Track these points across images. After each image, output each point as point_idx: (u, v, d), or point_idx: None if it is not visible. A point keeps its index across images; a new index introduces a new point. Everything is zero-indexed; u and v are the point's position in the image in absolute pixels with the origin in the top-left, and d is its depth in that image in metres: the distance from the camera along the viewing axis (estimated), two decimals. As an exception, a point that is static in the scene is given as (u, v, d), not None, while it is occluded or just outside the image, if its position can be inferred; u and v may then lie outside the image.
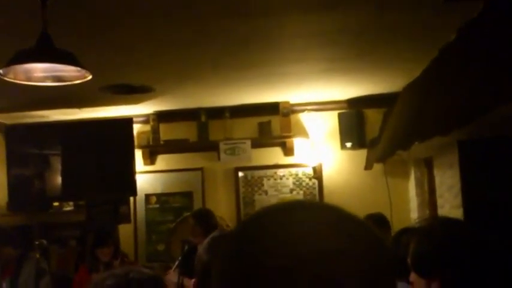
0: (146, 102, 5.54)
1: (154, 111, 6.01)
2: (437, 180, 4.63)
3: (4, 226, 4.78)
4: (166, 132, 6.09)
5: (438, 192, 4.67)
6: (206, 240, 1.96)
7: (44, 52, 2.59)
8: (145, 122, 6.14)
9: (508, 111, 2.45)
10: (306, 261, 0.60)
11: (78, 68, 2.71)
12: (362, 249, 0.63)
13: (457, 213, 3.53)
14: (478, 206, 2.09)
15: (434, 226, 1.82)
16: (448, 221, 1.97)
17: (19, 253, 4.30)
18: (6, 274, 4.25)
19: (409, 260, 1.73)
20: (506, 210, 2.06)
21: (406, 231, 2.48)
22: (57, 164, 5.99)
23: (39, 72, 2.86)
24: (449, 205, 4.21)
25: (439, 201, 4.65)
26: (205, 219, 4.44)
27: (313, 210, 0.69)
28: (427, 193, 5.36)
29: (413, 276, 1.69)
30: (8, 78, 2.73)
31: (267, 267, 0.61)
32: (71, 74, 2.84)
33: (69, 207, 6.24)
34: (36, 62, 2.70)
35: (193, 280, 3.86)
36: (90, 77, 2.80)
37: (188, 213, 5.40)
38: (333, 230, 0.64)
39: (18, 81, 2.79)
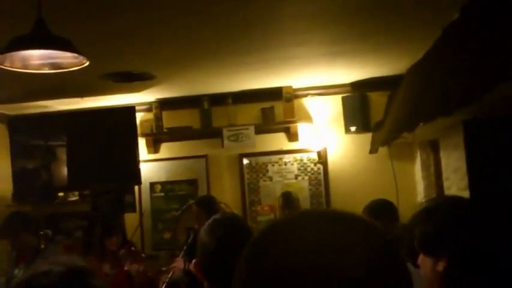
0: (148, 90, 5.51)
1: (156, 99, 5.98)
2: (443, 162, 4.58)
3: (25, 212, 4.75)
4: (170, 119, 6.06)
5: (444, 174, 4.62)
6: (208, 222, 1.94)
7: (40, 38, 2.56)
8: (148, 110, 6.12)
9: (509, 89, 2.41)
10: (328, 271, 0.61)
11: (75, 54, 2.68)
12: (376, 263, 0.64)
13: (464, 194, 3.47)
14: (484, 186, 2.05)
15: (441, 205, 1.81)
16: (454, 200, 1.95)
17: (38, 241, 4.28)
18: (21, 261, 4.25)
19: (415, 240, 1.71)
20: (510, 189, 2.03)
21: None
22: (62, 154, 6.00)
23: (36, 60, 2.83)
24: (456, 187, 4.17)
25: (446, 184, 4.61)
26: (208, 206, 4.43)
27: (321, 222, 0.70)
28: (434, 175, 5.31)
29: (420, 257, 1.67)
30: (4, 66, 2.69)
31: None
32: (68, 60, 2.80)
33: (74, 197, 6.25)
34: (32, 48, 2.66)
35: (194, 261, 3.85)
36: (87, 63, 2.77)
37: (192, 201, 5.38)
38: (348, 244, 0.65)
39: (15, 69, 2.76)
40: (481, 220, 1.60)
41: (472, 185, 2.07)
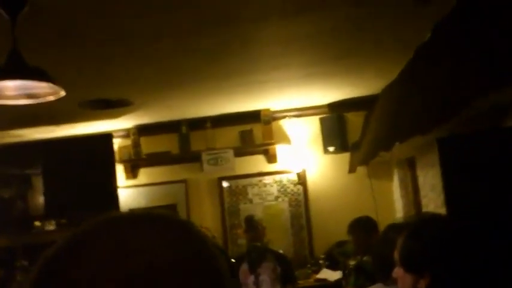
0: (126, 116, 5.49)
1: (134, 125, 5.95)
2: (421, 180, 4.64)
3: None
4: (148, 145, 6.03)
5: (422, 192, 4.68)
6: None
7: (15, 69, 2.53)
8: (126, 136, 6.08)
9: (483, 104, 2.46)
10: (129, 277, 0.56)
11: (51, 84, 2.66)
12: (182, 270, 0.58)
13: (442, 211, 3.51)
14: (460, 203, 2.08)
15: (424, 222, 1.84)
16: (436, 218, 1.98)
17: (4, 273, 4.21)
18: None
19: (395, 255, 1.73)
20: (488, 206, 2.06)
21: (393, 228, 2.48)
22: (38, 183, 5.93)
23: (11, 91, 2.80)
24: (434, 204, 4.22)
25: (424, 201, 4.66)
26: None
27: (134, 223, 0.63)
28: (412, 193, 5.36)
29: (399, 272, 1.69)
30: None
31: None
32: (44, 90, 2.78)
33: (51, 226, 6.14)
34: (6, 79, 2.64)
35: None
36: (63, 94, 2.75)
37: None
38: (125, 252, 0.58)
39: (-10, 101, 2.73)
40: (463, 239, 1.62)
41: (449, 202, 2.10)
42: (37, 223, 6.10)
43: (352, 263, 4.33)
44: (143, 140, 6.03)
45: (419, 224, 1.85)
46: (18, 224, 5.91)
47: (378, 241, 2.61)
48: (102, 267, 0.56)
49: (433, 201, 4.27)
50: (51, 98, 2.85)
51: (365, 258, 3.95)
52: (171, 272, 0.57)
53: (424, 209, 4.73)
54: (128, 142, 6.07)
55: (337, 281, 4.98)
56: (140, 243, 0.58)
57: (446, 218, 2.06)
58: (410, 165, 5.33)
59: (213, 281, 0.60)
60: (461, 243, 1.61)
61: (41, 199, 5.92)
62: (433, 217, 2.14)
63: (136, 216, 0.65)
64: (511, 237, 2.02)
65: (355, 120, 5.80)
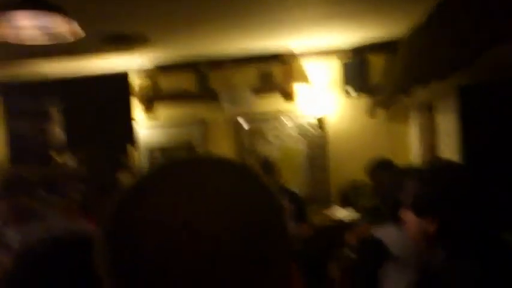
0: (144, 54, 5.45)
1: (153, 63, 5.92)
2: (439, 125, 4.58)
3: (23, 175, 4.76)
4: (166, 84, 6.03)
5: (440, 137, 4.63)
6: None
7: (31, 3, 2.51)
8: (145, 73, 6.07)
9: (505, 51, 2.38)
10: (184, 220, 0.58)
11: (68, 20, 2.64)
12: (243, 206, 0.60)
13: (457, 157, 3.49)
14: (475, 150, 2.05)
15: (437, 167, 1.83)
16: (451, 164, 1.97)
17: (34, 204, 4.29)
18: (14, 221, 4.26)
19: (403, 198, 1.74)
20: (503, 156, 2.03)
21: (405, 172, 2.47)
22: (57, 118, 6.02)
23: (30, 30, 2.78)
24: (450, 150, 4.18)
25: (441, 147, 4.62)
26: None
27: (193, 168, 0.65)
28: (429, 138, 5.31)
29: (408, 215, 1.70)
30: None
31: (146, 231, 0.59)
32: (63, 29, 2.76)
33: (70, 160, 6.26)
34: (21, 8, 2.60)
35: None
36: (83, 35, 2.72)
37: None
38: (208, 188, 0.61)
39: (7, 39, 2.72)
40: (476, 186, 1.62)
41: (463, 149, 2.07)
42: (55, 156, 6.23)
43: (367, 204, 4.36)
44: (162, 79, 6.02)
45: (433, 169, 1.84)
46: (37, 157, 6.04)
47: (389, 183, 2.61)
48: (188, 198, 0.59)
49: (449, 147, 4.23)
50: (71, 39, 2.84)
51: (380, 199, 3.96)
52: (241, 218, 0.59)
53: (441, 155, 4.69)
54: (146, 80, 6.06)
55: (352, 221, 5.02)
56: (222, 183, 0.61)
57: (460, 165, 2.04)
58: (429, 111, 5.25)
59: (280, 230, 0.64)
60: (473, 190, 1.60)
61: (59, 133, 6.04)
62: (447, 163, 2.12)
63: (216, 159, 0.67)
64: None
65: (377, 63, 5.69)
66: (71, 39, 2.80)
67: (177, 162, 0.67)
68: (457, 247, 1.57)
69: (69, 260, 1.20)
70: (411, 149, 5.68)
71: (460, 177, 1.66)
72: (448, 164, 2.00)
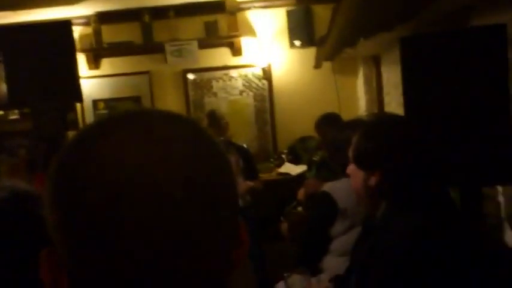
0: (86, 3, 5.25)
1: (95, 12, 5.70)
2: (385, 77, 4.63)
3: None
4: (110, 34, 5.83)
5: (385, 89, 4.68)
6: None
7: None
8: (87, 24, 5.85)
9: (449, 3, 2.39)
10: (128, 174, 0.58)
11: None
12: (185, 155, 0.61)
13: (402, 110, 3.53)
14: (418, 103, 2.07)
15: (380, 121, 1.85)
16: (393, 117, 1.99)
17: None
18: None
19: (349, 153, 1.75)
20: (446, 107, 2.05)
21: (348, 125, 2.49)
22: (0, 70, 5.75)
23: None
24: (396, 102, 4.24)
25: (386, 99, 4.68)
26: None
27: (133, 121, 0.65)
28: (375, 90, 5.37)
29: (352, 168, 1.72)
30: None
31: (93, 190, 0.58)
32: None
33: (14, 115, 6.05)
34: None
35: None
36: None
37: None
38: (152, 138, 0.61)
39: None
40: (415, 140, 1.64)
41: (407, 101, 2.09)
42: (0, 112, 6.00)
43: (315, 158, 4.40)
44: (104, 29, 5.82)
45: (375, 123, 1.86)
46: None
47: (335, 138, 2.62)
48: (131, 149, 0.59)
49: (395, 100, 4.29)
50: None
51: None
52: (191, 164, 0.61)
53: (386, 106, 4.76)
54: (88, 30, 5.85)
55: (299, 176, 5.08)
56: (167, 133, 0.62)
57: (403, 118, 2.07)
58: (375, 62, 5.29)
59: (225, 175, 0.65)
60: (413, 144, 1.62)
61: (3, 87, 5.77)
62: (389, 117, 2.14)
63: (159, 111, 0.67)
64: (464, 141, 2.04)
65: (323, 13, 5.64)
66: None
67: (121, 115, 0.66)
68: (398, 200, 1.59)
69: (13, 221, 1.17)
70: (357, 101, 5.74)
71: (402, 130, 1.67)
72: (391, 117, 2.03)
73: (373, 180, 1.61)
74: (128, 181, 0.58)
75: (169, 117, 0.66)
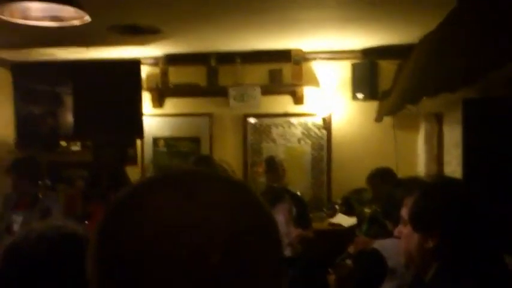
0: (155, 45, 5.44)
1: (163, 54, 5.91)
2: (446, 136, 4.55)
3: (22, 158, 4.75)
4: (176, 75, 6.01)
5: (446, 148, 4.59)
6: None
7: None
8: (155, 64, 6.06)
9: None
10: (165, 235, 0.60)
11: (76, 9, 2.63)
12: (225, 220, 0.62)
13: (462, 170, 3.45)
14: (478, 164, 2.03)
15: (441, 183, 1.83)
16: (454, 180, 1.97)
17: (36, 189, 4.30)
18: (21, 206, 4.28)
19: (403, 213, 1.73)
20: (505, 171, 2.00)
21: (399, 185, 2.46)
22: (68, 101, 5.99)
23: (37, 12, 2.78)
24: (456, 162, 4.14)
25: (447, 158, 4.58)
26: (206, 165, 4.43)
27: (173, 184, 0.67)
28: (436, 148, 5.27)
29: (405, 230, 1.69)
30: (3, 16, 2.65)
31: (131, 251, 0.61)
32: (70, 14, 2.76)
33: (76, 147, 6.26)
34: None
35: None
36: (88, 20, 2.72)
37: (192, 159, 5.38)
38: (194, 203, 0.63)
39: (13, 20, 2.72)
40: (475, 204, 1.61)
41: (466, 162, 2.05)
42: (63, 143, 6.22)
43: (367, 211, 4.33)
44: (171, 70, 6.00)
45: (435, 184, 1.84)
46: (45, 141, 6.02)
47: (390, 194, 2.58)
48: (178, 210, 0.61)
49: (455, 159, 4.19)
50: (76, 23, 2.83)
51: (380, 208, 3.94)
52: (241, 228, 0.62)
53: (446, 165, 4.66)
54: (156, 70, 6.05)
55: (351, 228, 4.99)
56: (212, 197, 0.63)
57: (463, 182, 2.03)
58: (437, 120, 5.21)
59: (272, 238, 0.67)
60: (473, 207, 1.60)
61: (70, 118, 5.99)
62: (450, 180, 2.11)
63: (208, 173, 0.70)
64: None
65: (388, 68, 5.65)
66: (77, 23, 2.79)
67: (173, 172, 0.69)
68: (453, 265, 1.55)
69: (52, 260, 1.21)
70: (416, 158, 5.64)
71: (462, 194, 1.65)
72: (451, 181, 1.99)
73: (430, 243, 1.58)
74: (164, 244, 0.59)
75: (215, 181, 0.68)
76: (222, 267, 0.59)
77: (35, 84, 5.97)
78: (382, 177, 4.18)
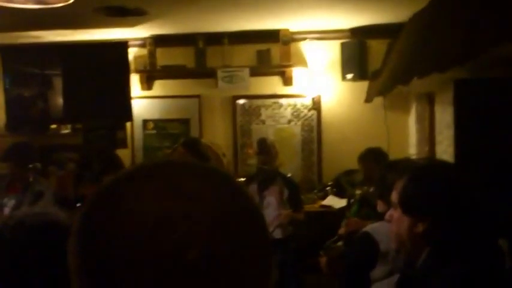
0: (142, 26, 5.37)
1: (150, 35, 5.83)
2: (438, 116, 4.53)
3: (31, 145, 4.70)
4: (164, 57, 5.94)
5: (438, 128, 4.58)
6: None
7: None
8: (142, 46, 5.98)
9: (509, 50, 2.32)
10: (149, 228, 0.59)
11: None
12: (210, 213, 0.62)
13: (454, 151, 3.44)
14: (469, 145, 2.02)
15: (432, 167, 1.82)
16: (446, 164, 1.96)
17: (22, 170, 4.27)
18: (12, 190, 4.26)
19: (393, 196, 1.72)
20: (497, 151, 1.99)
21: (391, 167, 2.44)
22: (58, 84, 5.94)
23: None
24: (448, 142, 4.13)
25: (438, 138, 4.57)
26: (195, 147, 4.39)
27: (154, 175, 0.67)
28: (427, 129, 5.25)
29: (395, 214, 1.68)
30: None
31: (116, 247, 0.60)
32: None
33: (66, 130, 6.20)
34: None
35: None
36: (71, 0, 2.66)
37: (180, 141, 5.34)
38: (175, 193, 0.62)
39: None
40: (466, 188, 1.60)
41: (457, 143, 2.04)
42: (53, 126, 6.16)
43: (358, 192, 4.32)
44: (159, 52, 5.93)
45: (426, 168, 1.83)
46: (36, 124, 5.96)
47: (384, 176, 2.55)
48: (158, 203, 0.60)
49: (447, 139, 4.18)
50: (60, 4, 2.77)
51: (371, 189, 3.93)
52: (223, 219, 0.62)
53: (438, 146, 4.65)
54: (143, 52, 5.98)
55: (341, 209, 4.99)
56: (194, 190, 0.63)
57: (456, 166, 2.01)
58: (429, 101, 5.19)
59: (256, 229, 0.66)
60: (463, 191, 1.58)
61: (60, 100, 5.94)
62: (442, 163, 2.09)
63: (191, 165, 0.69)
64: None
65: (377, 48, 5.61)
66: (61, 4, 2.73)
67: (156, 164, 0.69)
68: (445, 248, 1.54)
69: (30, 247, 1.19)
70: (407, 138, 5.63)
71: (453, 177, 1.65)
72: (441, 164, 1.98)
73: (420, 227, 1.57)
74: (146, 240, 0.59)
75: (196, 172, 0.67)
76: (202, 262, 0.59)
77: (25, 67, 5.90)
78: (375, 158, 4.16)
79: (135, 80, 5.97)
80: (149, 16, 4.90)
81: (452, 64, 2.53)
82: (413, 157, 5.07)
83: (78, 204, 4.34)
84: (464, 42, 2.34)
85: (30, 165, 4.37)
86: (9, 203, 4.18)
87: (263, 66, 5.83)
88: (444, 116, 4.29)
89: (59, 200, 4.87)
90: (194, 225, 0.60)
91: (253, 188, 4.53)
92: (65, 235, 1.17)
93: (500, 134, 2.00)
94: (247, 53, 5.86)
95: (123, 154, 5.85)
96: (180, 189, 0.62)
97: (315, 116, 5.90)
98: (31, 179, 4.33)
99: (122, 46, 5.75)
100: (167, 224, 0.59)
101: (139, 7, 4.57)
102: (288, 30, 5.64)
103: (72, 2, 2.81)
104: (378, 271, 2.44)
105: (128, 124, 6.05)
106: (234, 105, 6.02)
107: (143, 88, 6.07)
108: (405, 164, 2.32)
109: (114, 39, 5.81)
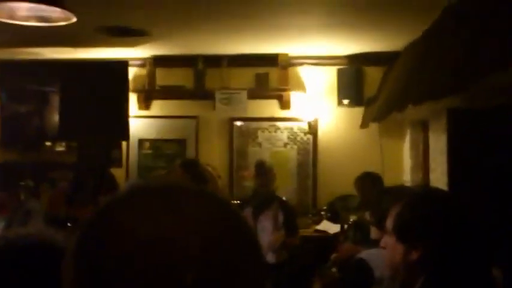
0: (143, 46, 5.43)
1: (151, 55, 5.89)
2: (432, 143, 4.57)
3: (16, 164, 4.68)
4: (163, 77, 5.99)
5: (432, 155, 4.62)
6: None
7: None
8: (142, 66, 6.03)
9: (502, 80, 2.37)
10: (144, 248, 0.61)
11: (63, 9, 2.61)
12: (205, 237, 0.63)
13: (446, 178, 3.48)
14: (462, 172, 2.05)
15: (427, 194, 1.82)
16: (440, 192, 1.96)
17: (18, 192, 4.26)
18: (3, 211, 4.24)
19: (387, 223, 1.72)
20: (489, 179, 2.02)
21: (386, 193, 2.45)
22: (55, 101, 5.93)
23: (24, 12, 2.76)
24: (441, 169, 4.17)
25: (432, 165, 4.61)
26: (193, 169, 4.41)
27: (153, 197, 0.68)
28: (421, 156, 5.30)
29: (389, 241, 1.68)
30: (-11, 15, 2.63)
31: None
32: (56, 15, 2.74)
33: (61, 147, 6.20)
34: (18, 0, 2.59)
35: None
36: (74, 20, 2.71)
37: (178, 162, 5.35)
38: (172, 216, 0.64)
39: (0, 19, 2.70)
40: (461, 217, 1.60)
41: (451, 169, 2.07)
42: (48, 143, 6.16)
43: (352, 218, 4.33)
44: (158, 72, 5.98)
45: (421, 195, 1.83)
46: (31, 141, 5.96)
47: (380, 200, 2.57)
48: (155, 226, 0.62)
49: (441, 166, 4.22)
50: (62, 23, 2.82)
51: (367, 214, 3.93)
52: (217, 243, 0.63)
53: (432, 173, 4.68)
54: (143, 72, 6.02)
55: (336, 234, 5.00)
56: (189, 213, 0.64)
57: (447, 192, 2.03)
58: (423, 128, 5.24)
59: (251, 252, 0.67)
60: (457, 219, 1.59)
61: (56, 117, 5.94)
62: (436, 191, 2.10)
63: (187, 188, 0.70)
64: (509, 218, 1.99)
65: (373, 75, 5.69)
66: (63, 24, 2.77)
67: (152, 186, 0.70)
68: (439, 277, 1.55)
69: (18, 269, 1.18)
70: (401, 164, 5.67)
71: (449, 205, 1.64)
72: (435, 191, 1.99)
73: (414, 255, 1.57)
74: (143, 262, 0.60)
75: (192, 195, 0.69)
76: (197, 286, 0.60)
77: (22, 83, 5.91)
78: (372, 181, 4.19)
79: (132, 99, 6.00)
80: (151, 37, 4.97)
81: (445, 93, 2.58)
82: (408, 184, 5.10)
83: (68, 224, 4.34)
84: (456, 72, 2.39)
85: (22, 183, 4.38)
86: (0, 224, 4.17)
87: (261, 90, 5.89)
88: (438, 144, 4.33)
89: (50, 219, 4.87)
90: (189, 249, 0.61)
91: (248, 212, 4.52)
92: (55, 256, 1.18)
93: (492, 162, 2.04)
94: (245, 76, 5.92)
95: (118, 173, 5.88)
96: (176, 212, 0.63)
97: (311, 140, 5.94)
98: (22, 197, 4.33)
99: (122, 65, 5.79)
100: (163, 247, 0.60)
101: (141, 28, 4.64)
102: (286, 55, 5.72)
103: (75, 21, 2.85)
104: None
105: (124, 143, 6.07)
106: (231, 127, 6.06)
107: (141, 108, 6.10)
108: (400, 191, 2.34)
109: (114, 58, 5.86)
